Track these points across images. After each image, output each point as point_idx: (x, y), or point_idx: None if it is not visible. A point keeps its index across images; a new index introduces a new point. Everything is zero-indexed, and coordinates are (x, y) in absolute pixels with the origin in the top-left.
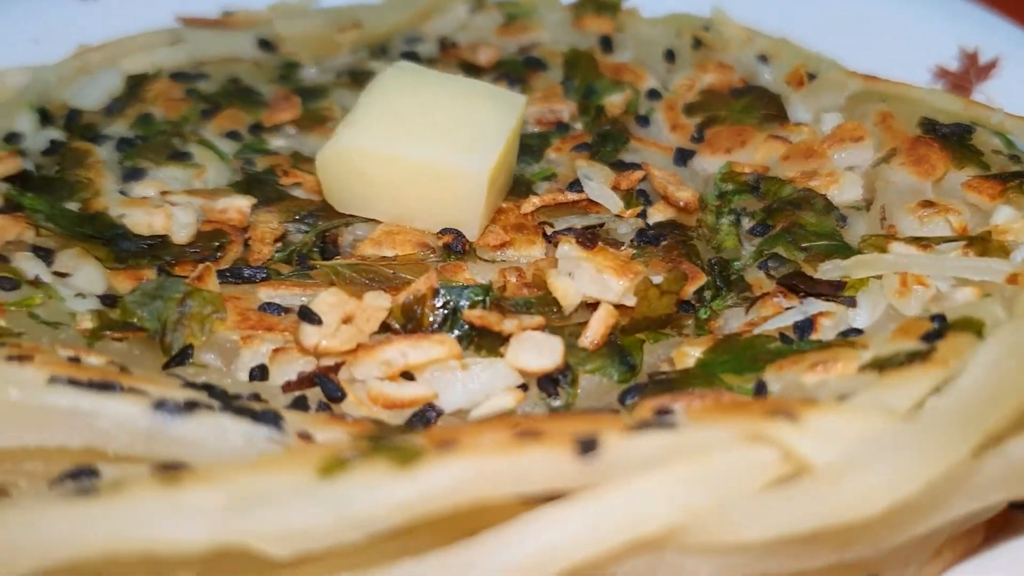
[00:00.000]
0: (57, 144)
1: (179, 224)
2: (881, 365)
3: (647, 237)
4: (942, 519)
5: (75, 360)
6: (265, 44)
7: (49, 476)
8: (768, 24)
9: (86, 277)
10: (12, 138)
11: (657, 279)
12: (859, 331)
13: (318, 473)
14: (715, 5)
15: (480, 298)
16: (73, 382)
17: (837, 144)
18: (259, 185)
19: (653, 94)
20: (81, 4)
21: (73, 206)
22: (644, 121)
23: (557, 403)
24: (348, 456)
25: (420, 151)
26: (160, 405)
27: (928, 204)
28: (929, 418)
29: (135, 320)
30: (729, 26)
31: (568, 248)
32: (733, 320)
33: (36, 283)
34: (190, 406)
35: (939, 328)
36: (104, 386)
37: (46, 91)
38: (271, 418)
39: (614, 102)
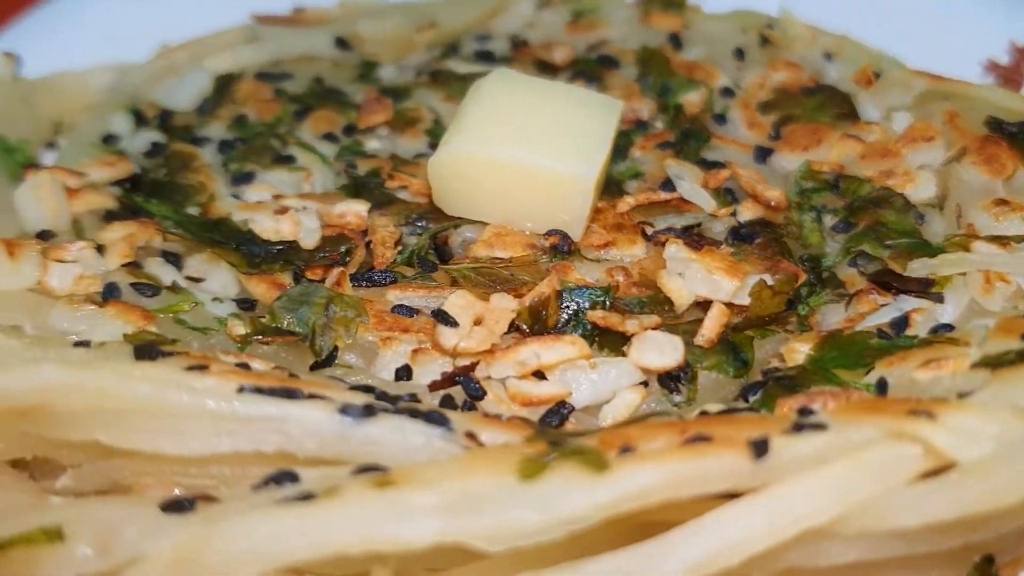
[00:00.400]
0: (158, 146)
1: (306, 230)
2: (992, 364)
3: (741, 235)
4: None
5: (244, 366)
6: (342, 43)
7: (247, 481)
8: (821, 19)
9: (219, 281)
10: (109, 139)
11: (769, 280)
12: (949, 326)
13: (520, 476)
14: (782, 5)
15: (600, 299)
16: (259, 390)
17: (910, 144)
18: (367, 189)
19: (727, 92)
20: (153, 2)
21: (192, 210)
22: (721, 119)
23: (678, 399)
24: (545, 461)
25: (529, 157)
26: (345, 410)
27: (1002, 202)
28: None
29: (284, 325)
30: (794, 24)
31: (676, 249)
32: (830, 315)
33: (174, 288)
34: (369, 409)
35: None
36: (288, 393)
37: (135, 92)
38: (441, 419)
39: (692, 100)
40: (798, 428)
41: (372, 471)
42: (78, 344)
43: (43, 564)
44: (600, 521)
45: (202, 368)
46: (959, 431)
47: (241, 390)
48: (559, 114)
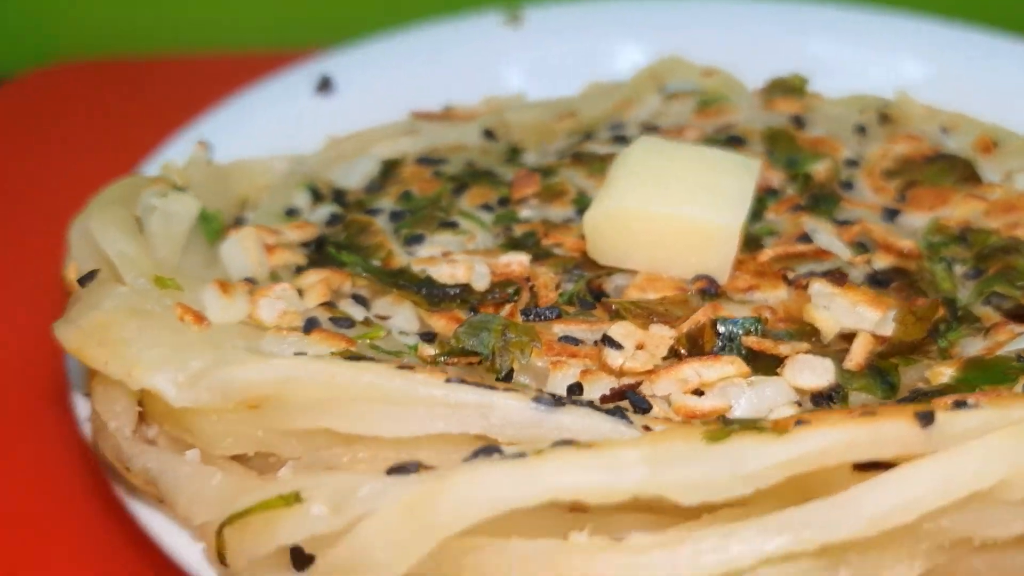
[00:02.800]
0: (337, 217)
1: (478, 275)
2: None
3: (878, 280)
4: None
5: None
6: (488, 134)
7: (458, 454)
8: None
9: (404, 318)
10: (292, 212)
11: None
12: None
13: (706, 441)
14: (897, 88)
15: (753, 327)
16: (463, 381)
17: None
18: (525, 246)
19: (851, 163)
20: (322, 99)
21: (374, 263)
22: (847, 186)
23: None
24: (730, 429)
25: (678, 208)
26: (538, 399)
27: None
28: None
29: (469, 347)
30: (910, 104)
31: (820, 286)
32: (969, 347)
33: (367, 323)
34: (559, 400)
35: None
36: (487, 386)
37: (311, 174)
38: (622, 414)
39: (819, 169)
40: (961, 406)
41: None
42: (297, 355)
43: (280, 526)
44: (781, 480)
45: (410, 367)
46: None
47: (448, 380)
48: (701, 171)
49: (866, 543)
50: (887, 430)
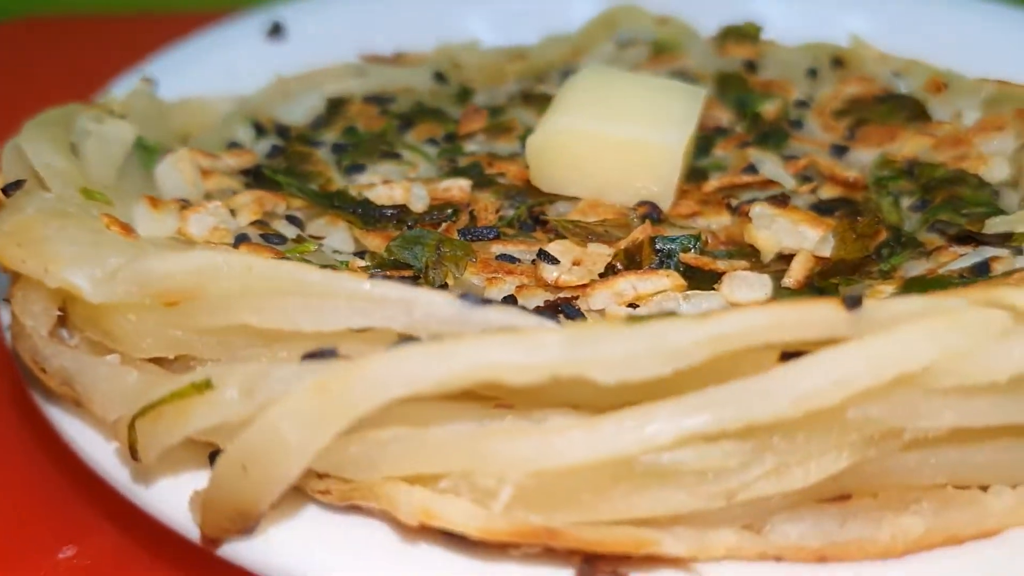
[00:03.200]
0: (278, 148)
1: (416, 197)
2: None
3: (821, 209)
4: None
5: None
6: (439, 77)
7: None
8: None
9: (339, 239)
10: (233, 146)
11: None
12: None
13: (627, 323)
14: (851, 32)
15: (691, 245)
16: (388, 277)
17: (981, 133)
18: (467, 175)
19: (801, 104)
20: (271, 45)
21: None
22: (797, 125)
23: None
24: (646, 315)
25: (622, 128)
26: (464, 296)
27: None
28: None
29: (401, 259)
30: (864, 47)
31: (761, 209)
32: (912, 270)
33: (299, 240)
34: (487, 301)
35: None
36: (412, 284)
37: (255, 111)
38: (549, 315)
39: (768, 109)
40: (893, 296)
41: None
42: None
43: (191, 413)
44: (703, 360)
45: (337, 268)
46: None
47: (372, 276)
48: (647, 97)
49: (791, 428)
50: (813, 312)
